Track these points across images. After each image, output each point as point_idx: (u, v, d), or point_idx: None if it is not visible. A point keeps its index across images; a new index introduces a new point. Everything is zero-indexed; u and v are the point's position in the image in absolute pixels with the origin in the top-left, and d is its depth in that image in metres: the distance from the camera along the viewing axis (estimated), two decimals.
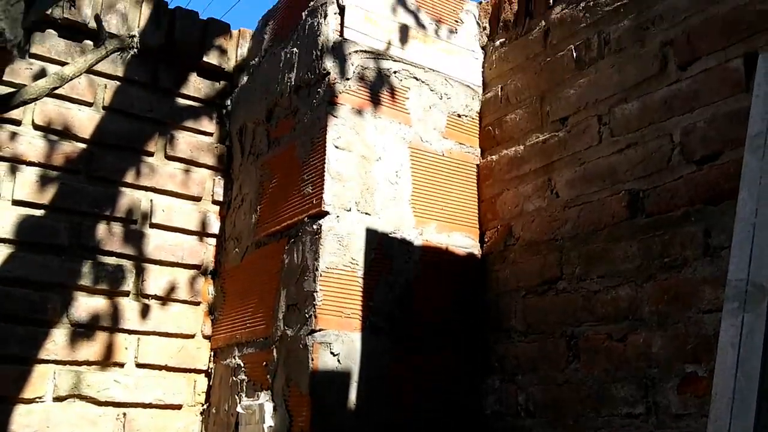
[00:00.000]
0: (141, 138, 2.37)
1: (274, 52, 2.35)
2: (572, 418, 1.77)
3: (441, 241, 2.09)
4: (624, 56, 1.82)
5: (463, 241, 2.14)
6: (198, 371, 2.32)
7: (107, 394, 2.15)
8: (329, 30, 2.07)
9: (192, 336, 2.33)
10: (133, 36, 1.59)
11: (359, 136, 2.02)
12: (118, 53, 1.66)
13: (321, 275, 1.85)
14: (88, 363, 2.14)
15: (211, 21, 2.54)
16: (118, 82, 2.35)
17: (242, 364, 2.12)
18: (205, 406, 2.30)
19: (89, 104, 2.30)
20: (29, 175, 2.16)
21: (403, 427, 1.88)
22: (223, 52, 2.54)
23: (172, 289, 2.32)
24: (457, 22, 2.33)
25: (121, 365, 2.20)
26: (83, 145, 2.27)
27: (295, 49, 2.22)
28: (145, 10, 2.41)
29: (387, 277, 1.96)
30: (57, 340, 2.10)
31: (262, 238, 2.18)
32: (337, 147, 1.97)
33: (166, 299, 2.31)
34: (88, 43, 2.32)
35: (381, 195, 2.01)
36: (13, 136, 2.16)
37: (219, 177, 2.49)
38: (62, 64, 2.25)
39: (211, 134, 2.50)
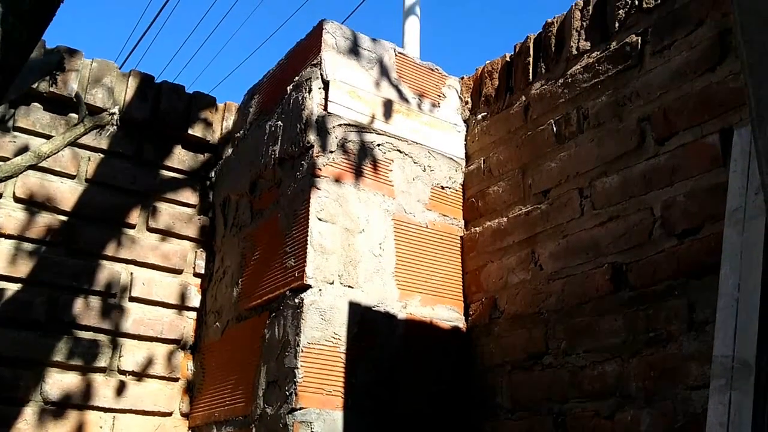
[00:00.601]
0: (123, 210, 2.35)
1: (259, 125, 2.37)
2: None
3: (425, 315, 2.06)
4: (603, 131, 1.85)
5: (448, 314, 2.12)
6: None
7: None
8: (313, 104, 2.09)
9: (169, 414, 2.26)
10: (113, 113, 1.60)
11: (342, 209, 2.02)
12: (98, 130, 1.67)
13: (302, 351, 1.81)
14: None
15: (197, 94, 2.57)
16: (101, 155, 2.36)
17: None
18: None
19: (72, 176, 2.29)
20: (7, 248, 2.13)
21: None
22: (208, 124, 2.56)
23: (149, 364, 2.26)
24: (439, 96, 2.37)
25: None
26: (64, 218, 2.25)
27: (279, 123, 2.24)
28: (132, 84, 2.44)
29: (370, 353, 1.92)
30: (29, 419, 2.03)
31: (244, 311, 2.14)
32: (320, 219, 1.96)
33: (143, 375, 2.24)
34: (74, 116, 2.33)
35: (364, 267, 1.99)
36: None
37: (201, 249, 2.47)
38: (47, 137, 2.25)
39: (194, 206, 2.49)
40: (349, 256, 1.98)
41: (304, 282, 1.88)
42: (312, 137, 2.05)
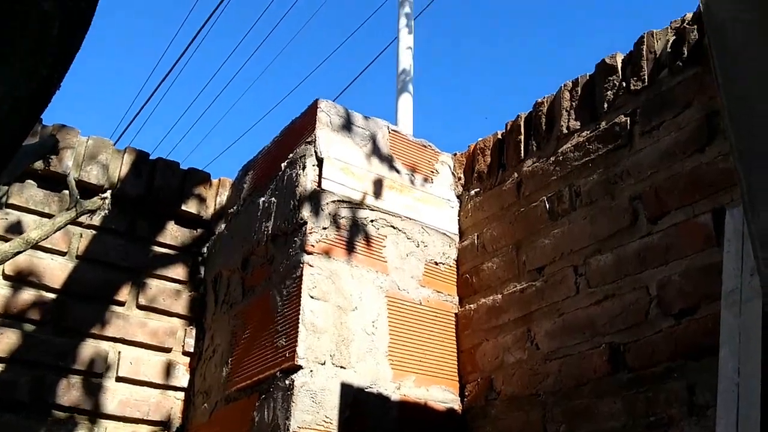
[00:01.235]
0: (113, 287, 2.33)
1: (252, 201, 2.38)
2: None
3: (419, 396, 2.01)
4: (595, 209, 1.86)
5: (443, 395, 2.07)
6: None
7: None
8: (307, 181, 2.10)
9: None
10: (105, 197, 1.60)
11: (335, 286, 1.99)
12: (88, 214, 1.66)
13: None
14: None
15: (191, 171, 2.59)
16: (94, 231, 2.35)
17: None
18: None
19: (63, 253, 2.27)
20: None
21: None
22: (202, 200, 2.56)
23: None
24: (432, 172, 2.38)
25: None
26: (53, 295, 2.22)
27: (273, 199, 2.24)
28: (127, 161, 2.45)
29: None
30: None
31: (233, 392, 2.09)
32: (312, 297, 1.94)
33: None
34: (68, 193, 2.33)
35: (357, 347, 1.96)
36: None
37: (191, 327, 2.42)
38: (40, 214, 2.24)
39: (185, 282, 2.47)
40: (341, 335, 1.94)
41: (295, 362, 1.84)
42: (305, 213, 2.05)
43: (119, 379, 2.23)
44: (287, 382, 1.84)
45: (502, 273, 2.10)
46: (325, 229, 2.05)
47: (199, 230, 2.56)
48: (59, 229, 1.48)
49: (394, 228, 2.20)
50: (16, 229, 2.20)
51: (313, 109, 2.23)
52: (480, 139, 2.38)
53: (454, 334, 2.17)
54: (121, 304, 2.32)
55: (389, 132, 2.33)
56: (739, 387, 1.31)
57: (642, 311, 1.66)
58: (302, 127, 2.27)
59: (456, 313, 2.21)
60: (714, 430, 1.32)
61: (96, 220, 2.34)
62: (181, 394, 2.33)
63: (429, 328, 2.13)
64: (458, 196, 2.40)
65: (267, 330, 2.03)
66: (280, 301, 2.02)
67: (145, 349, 2.31)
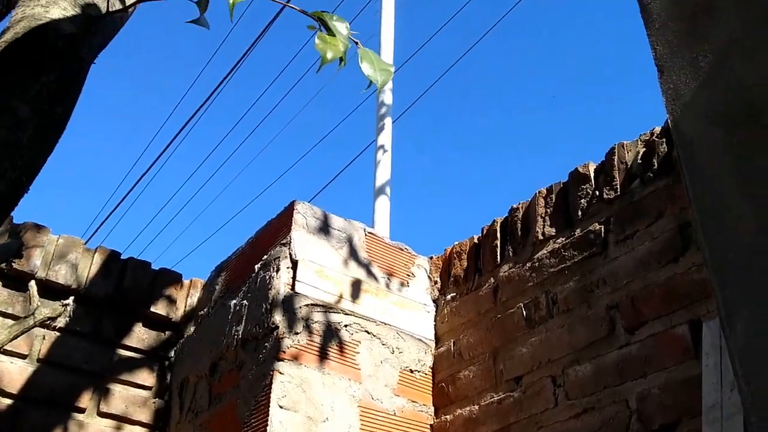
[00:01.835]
0: (74, 392, 2.22)
1: (224, 303, 2.32)
2: None
3: None
4: (573, 317, 1.83)
5: None
6: None
7: None
8: (281, 283, 2.06)
9: None
10: (66, 304, 1.55)
11: (306, 395, 1.92)
12: (48, 321, 1.61)
13: None
14: None
15: (162, 271, 2.54)
16: (57, 333, 2.26)
17: None
18: None
19: (23, 356, 2.18)
20: None
21: None
22: (172, 301, 2.50)
23: None
24: (408, 276, 2.36)
25: None
26: (9, 401, 2.11)
27: (245, 302, 2.19)
28: (97, 260, 2.40)
29: None
30: None
31: None
32: (281, 407, 1.86)
33: None
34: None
35: None
36: None
37: None
38: (3, 315, 2.17)
39: (149, 388, 2.36)
40: None
41: None
42: (277, 318, 1.99)
43: None
44: None
45: (479, 382, 2.04)
46: (297, 334, 1.99)
47: (167, 333, 2.48)
48: (17, 337, 1.41)
49: (368, 333, 2.15)
50: None
51: (289, 210, 2.23)
52: (456, 242, 2.37)
53: None
54: (82, 411, 2.21)
55: (366, 235, 2.32)
56: None
57: (622, 426, 1.60)
58: (278, 229, 2.25)
59: (431, 425, 2.12)
60: None
61: (60, 320, 2.27)
62: None
63: None
64: (434, 301, 2.36)
65: None
66: (248, 410, 1.93)
67: None
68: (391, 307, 2.25)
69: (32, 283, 2.23)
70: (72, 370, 2.24)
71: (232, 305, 2.25)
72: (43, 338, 2.23)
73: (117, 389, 2.30)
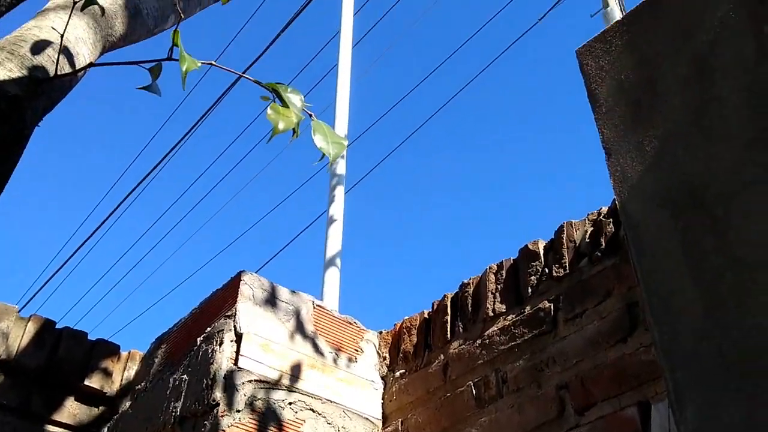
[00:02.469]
0: None
1: (162, 377, 2.22)
2: None
3: None
4: (522, 396, 1.80)
5: None
6: None
7: None
8: (223, 358, 1.98)
9: None
10: None
11: None
12: None
13: None
14: None
15: (99, 342, 2.43)
16: None
17: None
18: None
19: None
20: None
21: None
22: (108, 374, 2.38)
23: None
24: (357, 351, 2.31)
25: None
26: None
27: (185, 376, 2.09)
28: (30, 329, 2.29)
29: None
30: None
31: None
32: None
33: None
34: None
35: None
36: None
37: None
38: None
39: None
40: None
41: None
42: (218, 394, 1.91)
43: None
44: None
45: None
46: (239, 411, 1.91)
47: (101, 408, 2.35)
48: None
49: (313, 411, 2.07)
50: None
51: (235, 281, 2.17)
52: (406, 317, 2.34)
53: None
54: None
55: (314, 308, 2.27)
56: None
57: None
58: (223, 300, 2.19)
59: None
60: None
61: None
62: None
63: None
64: (383, 377, 2.31)
65: None
66: None
67: None
68: (338, 384, 2.18)
69: None
70: None
71: (171, 380, 2.15)
72: None
73: None
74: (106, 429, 2.33)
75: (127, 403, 2.33)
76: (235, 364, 1.98)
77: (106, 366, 2.38)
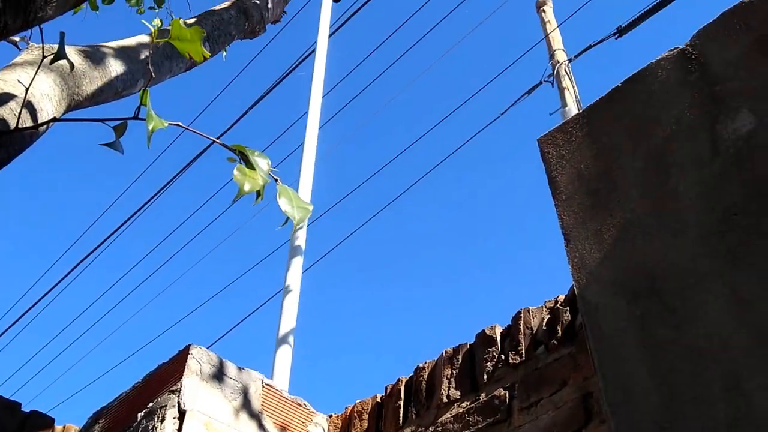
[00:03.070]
0: None
1: None
2: None
3: None
4: None
5: None
6: None
7: None
8: None
9: None
10: None
11: None
12: None
13: None
14: None
15: (33, 414, 2.29)
16: None
17: None
18: None
19: None
20: None
21: None
22: None
23: None
24: None
25: None
26: None
27: None
28: None
29: None
30: None
31: None
32: None
33: None
34: None
35: None
36: None
37: None
38: None
39: None
40: None
41: None
42: None
43: None
44: None
45: None
46: None
47: None
48: None
49: None
50: None
51: (183, 354, 2.09)
52: (358, 401, 2.27)
53: None
54: None
55: (263, 386, 2.19)
56: None
57: None
58: (168, 374, 2.10)
59: None
60: None
61: None
62: None
63: None
64: None
65: None
66: None
67: None
68: None
69: None
70: None
71: None
72: None
73: None
74: None
75: None
76: None
77: None
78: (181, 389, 1.98)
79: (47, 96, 1.23)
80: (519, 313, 1.90)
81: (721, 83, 1.23)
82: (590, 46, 5.22)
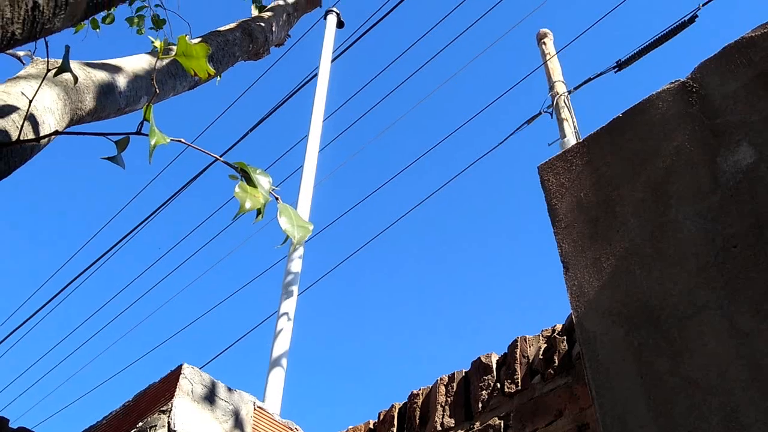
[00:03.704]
0: None
1: None
2: None
3: None
4: None
5: None
6: None
7: None
8: None
9: None
10: None
11: None
12: None
13: None
14: None
15: (20, 431, 2.25)
16: None
17: None
18: None
19: None
20: None
21: None
22: None
23: None
24: None
25: None
26: None
27: None
28: None
29: None
30: None
31: None
32: None
33: None
34: None
35: None
36: None
37: None
38: None
39: None
40: None
41: None
42: None
43: None
44: None
45: None
46: None
47: None
48: None
49: None
50: None
51: (175, 374, 2.07)
52: (350, 427, 2.25)
53: None
54: None
55: (254, 409, 2.16)
56: None
57: None
58: (160, 393, 2.07)
59: None
60: None
61: None
62: None
63: None
64: None
65: None
66: None
67: None
68: None
69: None
70: None
71: None
72: None
73: None
74: None
75: None
76: None
77: None
78: (171, 409, 1.95)
79: (50, 109, 1.23)
80: (515, 341, 1.89)
81: (722, 116, 1.24)
82: (590, 79, 5.26)
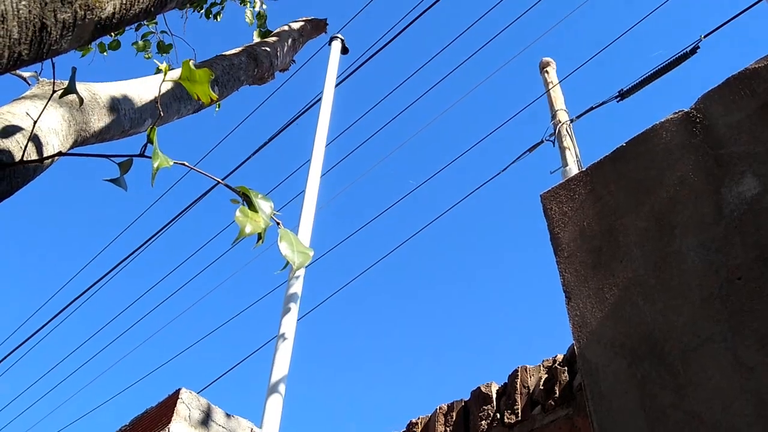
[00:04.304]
0: None
1: None
2: None
3: None
4: None
5: None
6: None
7: None
8: None
9: None
10: None
11: None
12: None
13: None
14: None
15: None
16: None
17: None
18: None
19: None
20: None
21: None
22: None
23: None
24: None
25: None
26: None
27: None
28: None
29: None
30: None
31: None
32: None
33: None
34: None
35: None
36: None
37: None
38: None
39: None
40: None
41: None
42: None
43: None
44: None
45: None
46: None
47: None
48: None
49: None
50: None
51: (173, 398, 2.05)
52: None
53: None
54: None
55: None
56: None
57: None
58: (157, 417, 2.05)
59: None
60: None
61: None
62: None
63: None
64: None
65: None
66: None
67: None
68: None
69: None
70: None
71: None
72: None
73: None
74: None
75: None
76: None
77: None
78: None
79: (54, 131, 1.23)
80: (516, 371, 1.87)
81: (726, 147, 1.24)
82: (592, 108, 5.28)
